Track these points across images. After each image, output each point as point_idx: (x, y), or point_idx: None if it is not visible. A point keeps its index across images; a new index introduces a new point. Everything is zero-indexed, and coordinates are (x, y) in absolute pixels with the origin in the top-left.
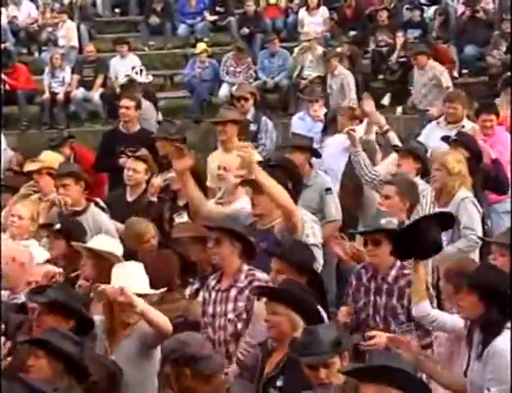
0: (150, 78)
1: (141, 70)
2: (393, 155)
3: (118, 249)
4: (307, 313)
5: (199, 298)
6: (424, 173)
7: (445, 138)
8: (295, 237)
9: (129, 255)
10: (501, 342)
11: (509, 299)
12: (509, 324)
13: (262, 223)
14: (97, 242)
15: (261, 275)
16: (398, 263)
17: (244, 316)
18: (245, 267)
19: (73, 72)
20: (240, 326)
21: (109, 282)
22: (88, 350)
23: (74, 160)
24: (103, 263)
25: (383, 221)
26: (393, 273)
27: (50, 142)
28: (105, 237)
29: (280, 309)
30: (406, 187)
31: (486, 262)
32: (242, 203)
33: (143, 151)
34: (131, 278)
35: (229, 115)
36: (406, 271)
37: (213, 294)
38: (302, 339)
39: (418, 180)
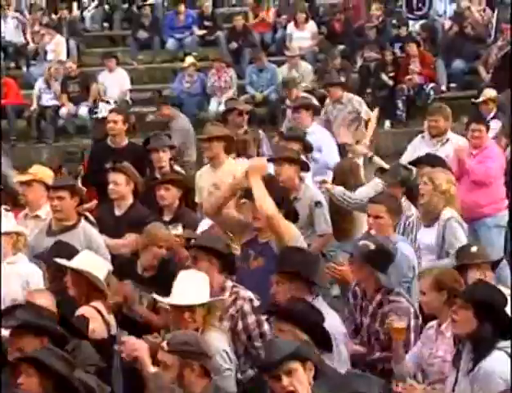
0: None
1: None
2: (376, 180)
3: (100, 267)
4: (312, 331)
5: None
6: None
7: (412, 163)
8: (283, 243)
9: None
10: (491, 363)
11: (503, 317)
12: (500, 344)
13: (262, 236)
14: (80, 260)
15: (245, 293)
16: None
17: (229, 335)
18: (229, 283)
19: (61, 87)
20: None
21: (87, 300)
22: None
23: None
24: (81, 281)
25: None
26: (378, 297)
27: (67, 155)
28: (89, 254)
29: (285, 327)
30: (393, 204)
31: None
32: None
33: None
34: (194, 285)
35: (214, 131)
36: (391, 297)
37: None
38: (264, 353)
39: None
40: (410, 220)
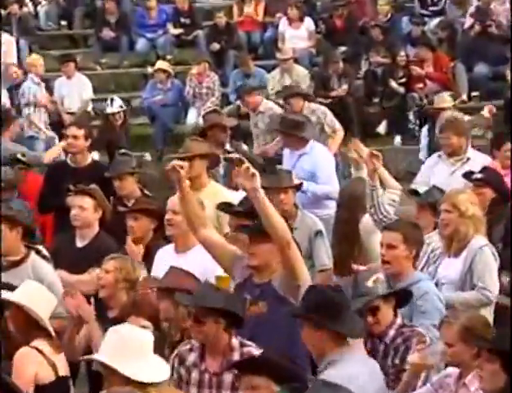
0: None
1: (112, 100)
2: (398, 192)
3: (45, 301)
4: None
5: None
6: None
7: (467, 175)
8: (296, 283)
9: None
10: None
11: None
12: None
13: (260, 276)
14: (21, 292)
15: (256, 351)
16: (398, 321)
17: None
18: (235, 341)
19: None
20: None
21: (28, 339)
22: None
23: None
24: (20, 316)
25: (369, 284)
26: (392, 333)
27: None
28: (33, 285)
29: (259, 381)
30: (411, 232)
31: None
32: (197, 252)
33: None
34: None
35: (196, 148)
36: (404, 329)
37: (196, 374)
38: None
39: (434, 235)
40: (436, 252)
